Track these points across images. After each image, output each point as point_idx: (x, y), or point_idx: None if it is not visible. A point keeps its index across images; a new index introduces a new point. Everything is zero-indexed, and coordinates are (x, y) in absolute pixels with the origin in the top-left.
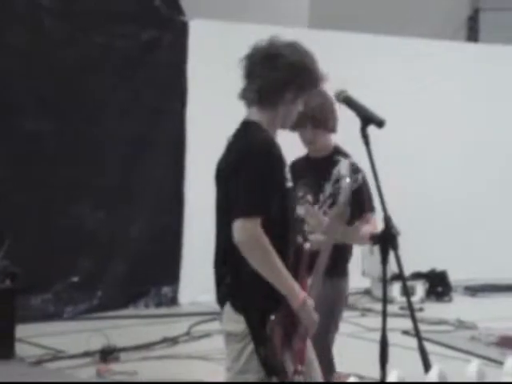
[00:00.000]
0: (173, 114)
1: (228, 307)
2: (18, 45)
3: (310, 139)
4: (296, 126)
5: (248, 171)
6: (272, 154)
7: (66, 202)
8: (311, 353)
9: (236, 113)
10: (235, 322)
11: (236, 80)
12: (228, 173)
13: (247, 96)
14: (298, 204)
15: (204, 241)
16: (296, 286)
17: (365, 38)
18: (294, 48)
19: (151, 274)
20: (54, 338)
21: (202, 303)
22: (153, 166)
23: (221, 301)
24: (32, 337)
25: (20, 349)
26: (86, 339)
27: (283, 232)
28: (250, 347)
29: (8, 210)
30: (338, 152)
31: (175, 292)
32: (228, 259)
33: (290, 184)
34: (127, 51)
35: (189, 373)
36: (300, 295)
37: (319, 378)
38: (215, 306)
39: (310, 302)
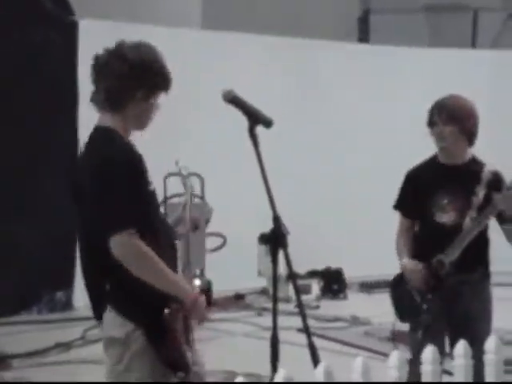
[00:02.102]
0: (64, 115)
1: (110, 313)
2: None
3: (457, 153)
4: (453, 143)
5: (112, 186)
6: (131, 163)
7: None
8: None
9: None
10: (120, 326)
11: None
12: (91, 189)
13: (96, 99)
14: (440, 212)
15: None
16: (186, 284)
17: (257, 39)
18: (140, 49)
19: (44, 279)
20: None
21: None
22: (46, 171)
23: (98, 310)
24: None
25: None
26: None
27: (155, 236)
28: (133, 348)
29: None
30: (474, 158)
31: (69, 296)
32: (105, 268)
33: (152, 187)
34: (15, 52)
35: (82, 377)
36: (191, 293)
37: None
38: None
39: (202, 299)
